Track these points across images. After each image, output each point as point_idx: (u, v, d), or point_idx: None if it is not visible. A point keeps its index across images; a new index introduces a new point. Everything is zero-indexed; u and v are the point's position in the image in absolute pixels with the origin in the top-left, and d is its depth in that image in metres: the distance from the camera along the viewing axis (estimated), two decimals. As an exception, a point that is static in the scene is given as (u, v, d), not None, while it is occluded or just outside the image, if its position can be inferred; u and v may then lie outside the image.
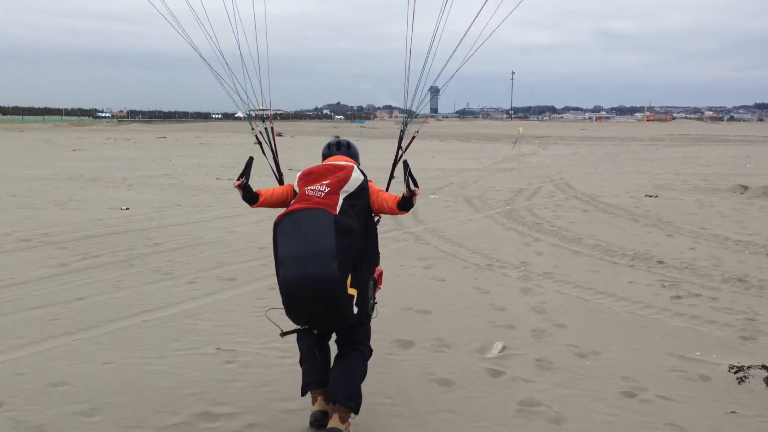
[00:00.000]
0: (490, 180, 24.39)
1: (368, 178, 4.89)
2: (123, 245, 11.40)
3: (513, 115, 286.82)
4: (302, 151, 39.90)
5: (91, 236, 12.22)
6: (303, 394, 4.82)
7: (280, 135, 68.13)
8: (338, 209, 4.46)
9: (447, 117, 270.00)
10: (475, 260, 10.73)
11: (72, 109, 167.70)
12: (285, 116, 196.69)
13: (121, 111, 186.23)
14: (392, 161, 5.20)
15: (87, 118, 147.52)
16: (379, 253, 4.95)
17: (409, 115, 5.38)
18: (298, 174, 4.83)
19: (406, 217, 14.88)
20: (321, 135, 68.52)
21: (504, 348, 6.59)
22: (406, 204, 4.68)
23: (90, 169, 26.65)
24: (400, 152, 5.20)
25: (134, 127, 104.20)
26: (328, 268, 4.20)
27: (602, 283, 9.29)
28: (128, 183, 21.97)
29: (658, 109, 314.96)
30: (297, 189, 4.76)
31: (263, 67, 5.23)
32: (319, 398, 4.70)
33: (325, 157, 5.22)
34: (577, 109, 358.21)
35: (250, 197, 4.93)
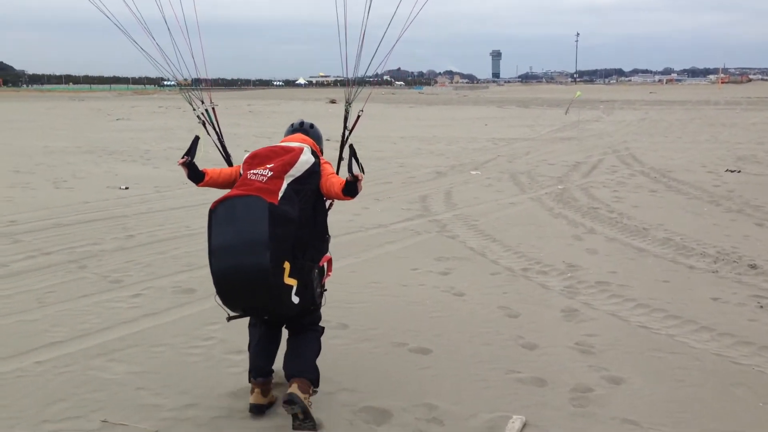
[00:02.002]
0: (543, 151, 21.79)
1: (322, 160, 4.60)
2: (89, 238, 9.60)
3: (578, 79, 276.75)
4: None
5: (60, 225, 10.47)
6: (250, 380, 4.61)
7: (333, 102, 66.66)
8: (280, 195, 4.24)
9: (509, 82, 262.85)
10: (508, 262, 8.48)
11: (139, 78, 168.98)
12: (345, 82, 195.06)
13: (185, 79, 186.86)
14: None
15: (152, 86, 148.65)
16: (328, 240, 4.68)
17: (353, 84, 5.08)
18: (245, 156, 4.60)
19: (434, 202, 12.65)
20: (374, 102, 66.13)
21: (525, 426, 4.41)
22: (350, 189, 4.36)
23: (118, 141, 25.23)
24: (346, 133, 5.07)
25: (194, 95, 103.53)
26: (259, 259, 3.98)
27: (676, 300, 6.95)
28: (147, 157, 20.37)
29: (733, 70, 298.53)
30: (242, 172, 4.52)
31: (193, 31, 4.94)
32: (257, 390, 4.51)
33: (286, 136, 4.95)
34: (646, 71, 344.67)
35: (196, 175, 4.77)
